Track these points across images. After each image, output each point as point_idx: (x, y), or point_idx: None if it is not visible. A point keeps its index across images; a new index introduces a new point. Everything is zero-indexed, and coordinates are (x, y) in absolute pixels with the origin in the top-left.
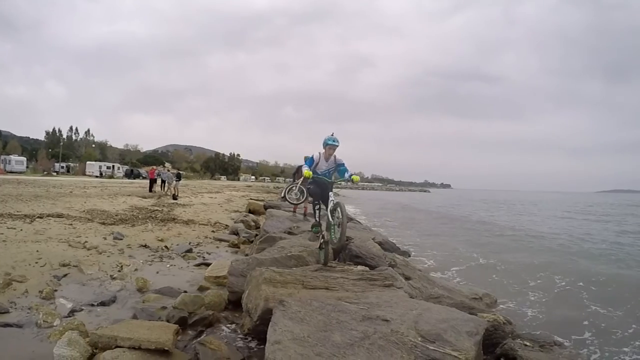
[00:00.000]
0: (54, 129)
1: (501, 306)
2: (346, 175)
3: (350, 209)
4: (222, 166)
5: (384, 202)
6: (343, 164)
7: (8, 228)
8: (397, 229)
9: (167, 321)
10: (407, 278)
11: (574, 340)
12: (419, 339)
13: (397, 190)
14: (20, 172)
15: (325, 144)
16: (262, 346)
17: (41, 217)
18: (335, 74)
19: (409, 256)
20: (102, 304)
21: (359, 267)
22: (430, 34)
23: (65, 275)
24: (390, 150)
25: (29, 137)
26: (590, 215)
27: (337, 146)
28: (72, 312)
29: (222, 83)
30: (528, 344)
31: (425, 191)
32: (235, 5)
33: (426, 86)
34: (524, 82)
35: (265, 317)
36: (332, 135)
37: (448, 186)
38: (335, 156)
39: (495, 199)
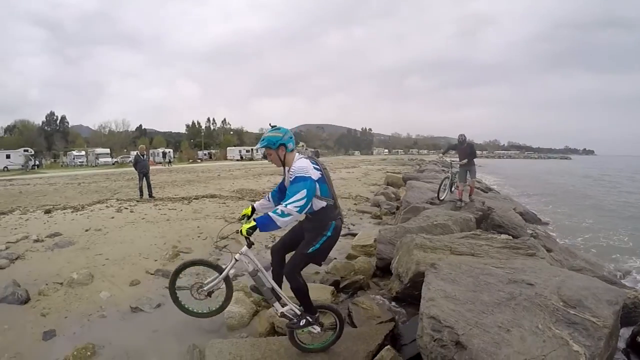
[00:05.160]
0: (193, 122)
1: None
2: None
3: (489, 178)
4: (355, 142)
5: (522, 173)
6: (293, 179)
7: (169, 209)
8: (537, 199)
9: (322, 284)
10: (549, 250)
11: None
12: (561, 303)
13: (535, 158)
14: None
15: None
16: (409, 308)
17: (197, 199)
18: (455, 37)
19: (550, 227)
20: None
21: (503, 236)
22: None
23: (225, 247)
24: (525, 115)
25: (171, 132)
26: None
27: (269, 148)
28: (235, 277)
29: (343, 61)
30: None
31: (566, 158)
32: None
33: (557, 40)
34: None
35: (416, 280)
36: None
37: (591, 152)
38: (290, 167)
39: None
